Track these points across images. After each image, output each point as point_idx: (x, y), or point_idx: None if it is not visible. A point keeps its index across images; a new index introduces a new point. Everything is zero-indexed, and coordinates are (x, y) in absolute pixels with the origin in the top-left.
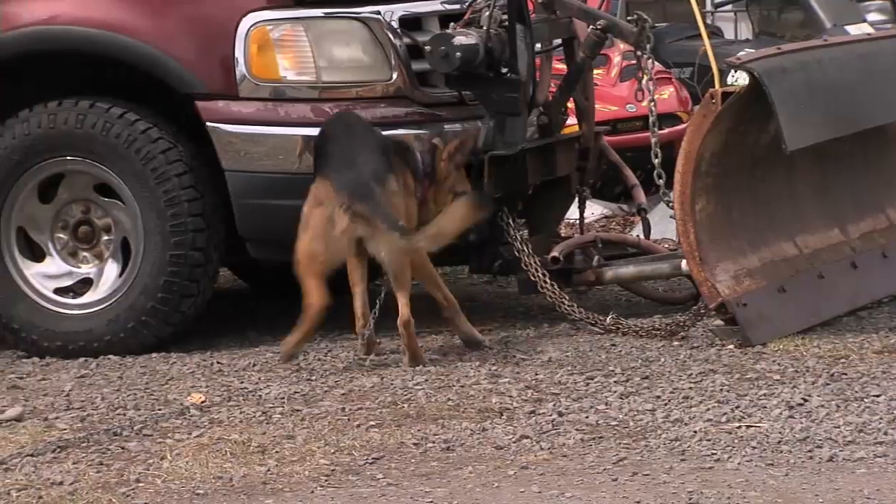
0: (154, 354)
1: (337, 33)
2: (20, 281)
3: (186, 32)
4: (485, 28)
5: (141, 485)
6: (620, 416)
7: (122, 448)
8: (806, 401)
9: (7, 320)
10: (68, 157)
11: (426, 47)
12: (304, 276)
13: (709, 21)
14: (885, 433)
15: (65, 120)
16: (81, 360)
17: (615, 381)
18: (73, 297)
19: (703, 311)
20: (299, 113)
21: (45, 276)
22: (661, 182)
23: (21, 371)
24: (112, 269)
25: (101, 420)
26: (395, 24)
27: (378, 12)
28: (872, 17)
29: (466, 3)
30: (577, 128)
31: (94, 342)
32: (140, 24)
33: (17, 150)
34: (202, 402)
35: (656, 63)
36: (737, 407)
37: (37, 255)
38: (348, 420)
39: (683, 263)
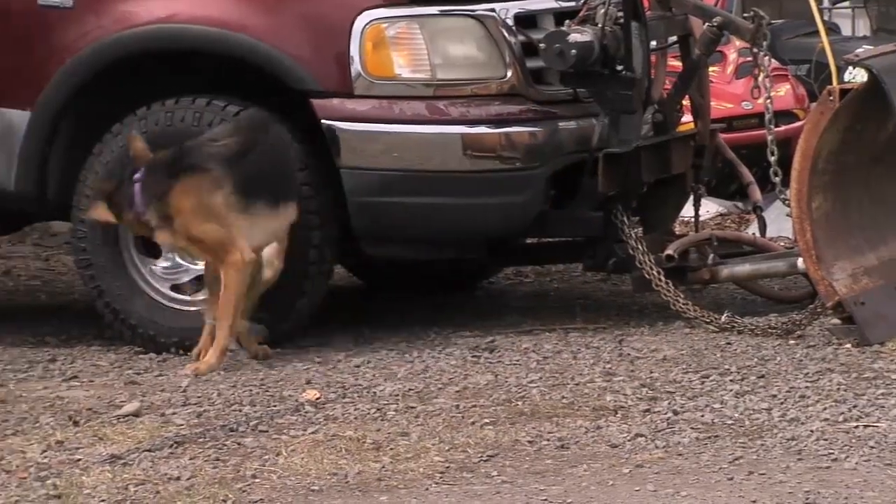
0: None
1: (452, 31)
2: (138, 277)
3: (302, 30)
4: (600, 25)
5: (257, 481)
6: (736, 415)
7: (238, 444)
8: None
9: (125, 316)
10: None
11: (541, 45)
12: None
13: (826, 17)
14: None
15: (182, 118)
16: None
17: (731, 380)
18: (190, 294)
19: (819, 310)
20: (414, 110)
21: (161, 272)
22: (778, 180)
23: (138, 367)
24: None
25: (217, 416)
26: (509, 22)
27: (493, 10)
28: None
29: (582, 1)
30: (692, 125)
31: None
32: (257, 22)
33: None
34: (317, 398)
35: (772, 60)
36: (854, 406)
37: (153, 252)
38: (462, 417)
39: (800, 262)
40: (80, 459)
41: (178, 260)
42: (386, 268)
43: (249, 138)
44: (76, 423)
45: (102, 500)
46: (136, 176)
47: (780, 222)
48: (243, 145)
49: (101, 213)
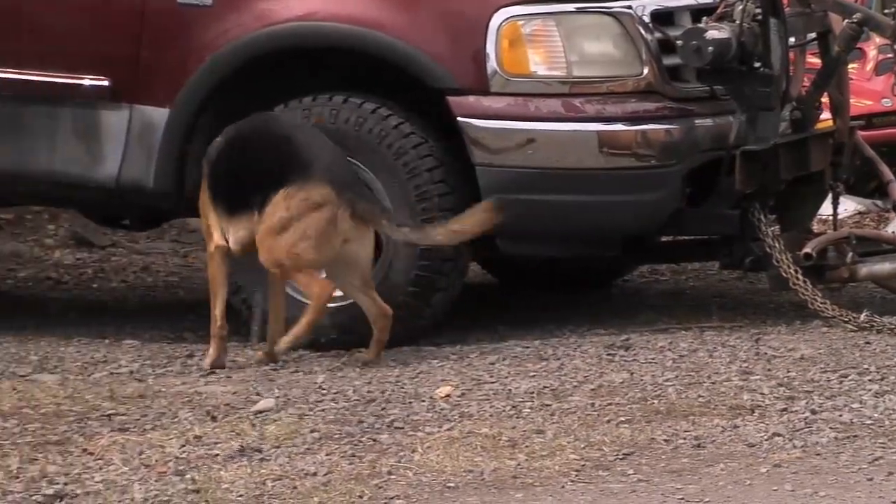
0: (405, 348)
1: (588, 28)
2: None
3: (438, 28)
4: (738, 22)
5: (392, 477)
6: (875, 415)
7: (374, 440)
8: None
9: (262, 313)
10: None
11: (678, 42)
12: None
13: None
14: None
15: (318, 115)
16: (333, 352)
17: (870, 380)
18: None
19: None
20: (550, 108)
21: None
22: None
23: (281, 362)
24: None
25: (352, 412)
26: (646, 19)
27: (630, 7)
28: None
29: None
30: (831, 123)
31: (345, 335)
32: (394, 20)
33: None
34: (452, 395)
35: None
36: None
37: None
38: (598, 415)
39: None
40: (217, 454)
41: None
42: (521, 265)
43: (232, 142)
44: (214, 419)
45: (240, 495)
46: None
47: None
48: (223, 146)
49: None
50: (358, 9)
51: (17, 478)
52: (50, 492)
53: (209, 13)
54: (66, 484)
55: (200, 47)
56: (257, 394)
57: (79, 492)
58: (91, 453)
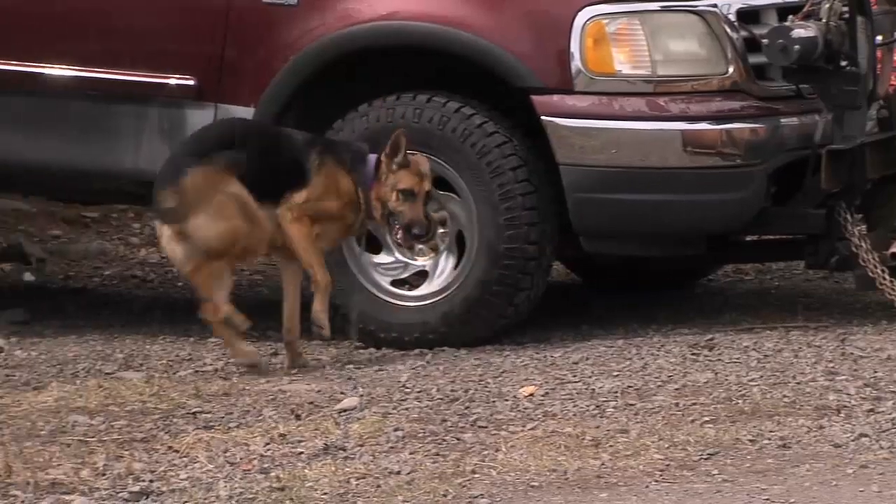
0: (488, 347)
1: (673, 27)
2: (358, 272)
3: (523, 27)
4: (824, 20)
5: (476, 476)
6: None
7: (458, 439)
8: None
9: (345, 311)
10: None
11: (764, 40)
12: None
13: None
14: None
15: (402, 114)
16: (417, 351)
17: None
18: (409, 289)
19: None
20: (634, 107)
21: (381, 267)
22: None
23: (358, 361)
24: (447, 261)
25: (436, 411)
26: (732, 17)
27: (715, 5)
28: None
29: None
30: None
31: (429, 334)
32: (477, 19)
33: None
34: (535, 394)
35: None
36: None
37: (374, 247)
38: (682, 415)
39: None
40: (302, 452)
41: (399, 255)
42: (605, 264)
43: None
44: (298, 417)
45: (324, 493)
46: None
47: None
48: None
49: None
50: (442, 8)
51: (104, 475)
52: (136, 489)
53: (294, 13)
54: (151, 481)
55: (284, 47)
56: (341, 392)
57: (164, 489)
58: (176, 451)
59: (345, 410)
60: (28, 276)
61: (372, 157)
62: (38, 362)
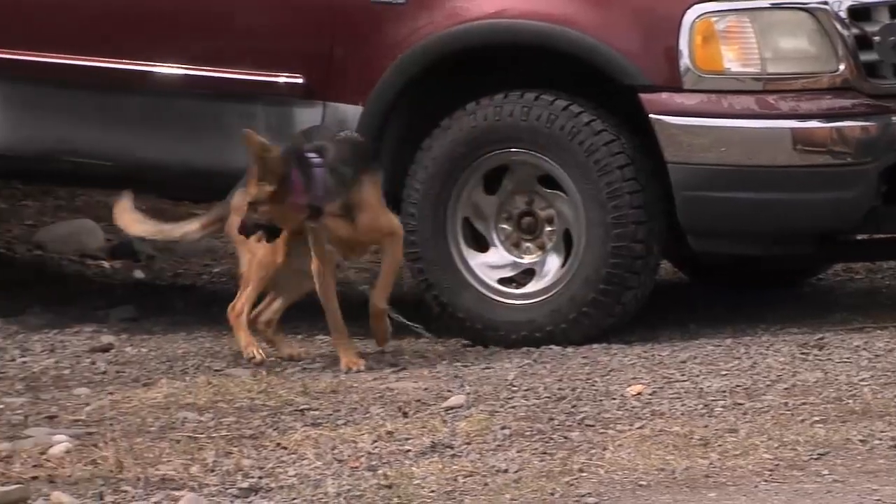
0: (595, 345)
1: (783, 24)
2: (465, 271)
3: (630, 24)
4: None
5: (584, 475)
6: None
7: (565, 438)
8: None
9: (453, 309)
10: (513, 149)
11: (875, 38)
12: None
13: None
14: None
15: (510, 112)
16: (524, 349)
17: None
18: (516, 288)
19: None
20: (743, 105)
21: (488, 265)
22: None
23: (465, 359)
24: (554, 260)
25: (543, 410)
26: (842, 15)
27: (825, 2)
28: None
29: None
30: None
31: (536, 332)
32: (585, 17)
33: (463, 143)
34: (643, 393)
35: None
36: None
37: (481, 245)
38: (792, 415)
39: None
40: (409, 450)
41: (506, 254)
42: (713, 263)
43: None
44: (405, 415)
45: (432, 491)
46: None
47: None
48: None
49: None
50: (550, 6)
51: (213, 471)
52: (245, 485)
53: (402, 11)
54: (260, 478)
55: (392, 45)
56: (448, 390)
57: (273, 486)
58: (285, 448)
59: (452, 408)
60: (138, 274)
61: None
62: (148, 359)
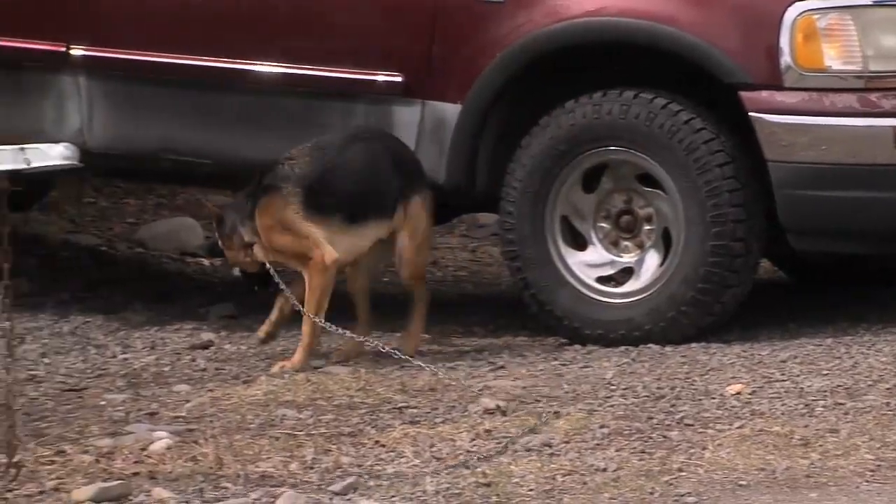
0: (694, 344)
1: (885, 22)
2: (563, 269)
3: (731, 22)
4: None
5: (683, 474)
6: None
7: (664, 437)
8: None
9: (551, 307)
10: (611, 147)
11: None
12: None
13: None
14: None
15: (609, 111)
16: (622, 348)
17: None
18: (615, 286)
19: None
20: (844, 103)
21: (587, 264)
22: None
23: (564, 358)
24: (653, 258)
25: (642, 409)
26: None
27: None
28: None
29: None
30: None
31: (634, 331)
32: (685, 15)
33: (562, 141)
34: (742, 393)
35: None
36: None
37: (579, 243)
38: (894, 415)
39: None
40: (507, 448)
41: (605, 252)
42: (813, 262)
43: (321, 159)
44: (504, 413)
45: (531, 489)
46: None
47: None
48: (314, 165)
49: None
50: (650, 4)
51: (312, 468)
52: (344, 483)
53: (501, 9)
54: (359, 475)
55: (492, 43)
56: (546, 388)
57: (371, 483)
58: (383, 445)
59: (551, 407)
60: (237, 271)
61: None
62: (247, 356)
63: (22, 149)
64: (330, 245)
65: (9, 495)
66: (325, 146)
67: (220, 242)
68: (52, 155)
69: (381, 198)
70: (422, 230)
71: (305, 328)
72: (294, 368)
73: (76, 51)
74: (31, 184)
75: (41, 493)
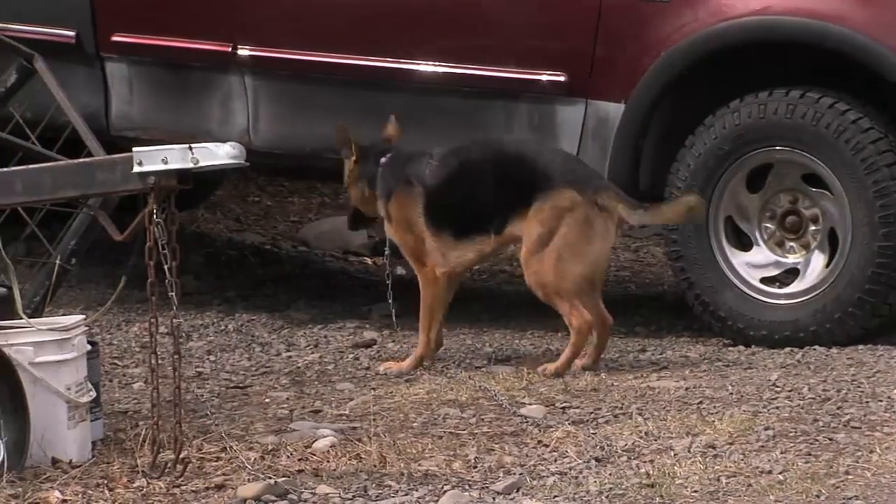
0: (860, 346)
1: None
2: (727, 270)
3: None
4: None
5: (850, 477)
6: None
7: (830, 440)
8: None
9: (714, 308)
10: (777, 147)
11: None
12: (558, 298)
13: None
14: None
15: (774, 110)
16: (787, 349)
17: None
18: (779, 287)
19: None
20: None
21: (751, 265)
22: None
23: (727, 359)
24: (818, 259)
25: (807, 411)
26: None
27: None
28: None
29: None
30: None
31: (799, 332)
32: (852, 13)
33: (727, 140)
34: None
35: None
36: None
37: (743, 244)
38: None
39: None
40: (671, 449)
41: (770, 253)
42: None
43: (452, 165)
44: (667, 413)
45: (695, 491)
46: (383, 160)
47: None
48: (444, 171)
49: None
50: (816, 3)
51: (475, 467)
52: (507, 482)
53: (666, 9)
54: (521, 475)
55: (656, 43)
56: (710, 389)
57: (535, 483)
58: (546, 445)
59: (715, 408)
60: (399, 270)
61: None
62: (410, 355)
63: (190, 148)
64: (441, 256)
65: (176, 491)
66: (453, 153)
67: (348, 172)
68: (220, 154)
69: (486, 210)
70: (533, 239)
71: (421, 337)
72: (398, 371)
73: (243, 51)
74: (198, 183)
75: (207, 489)
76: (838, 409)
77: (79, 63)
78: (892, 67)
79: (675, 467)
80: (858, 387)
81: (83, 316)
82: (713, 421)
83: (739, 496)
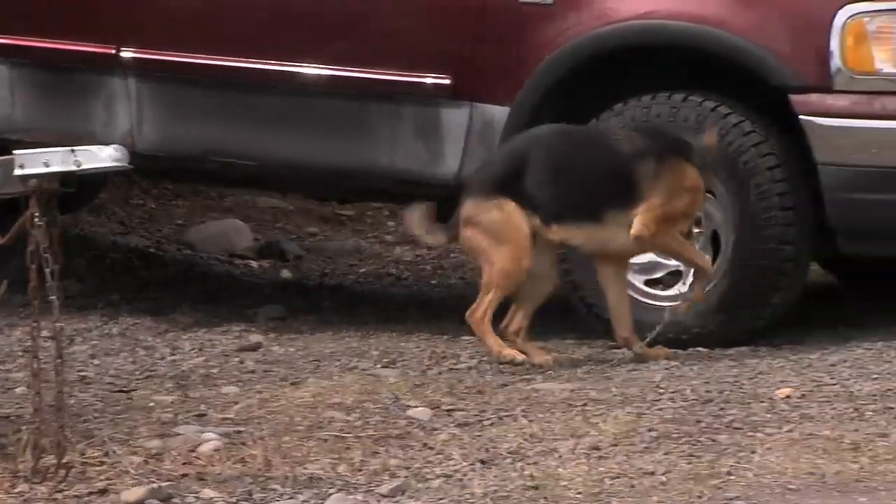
0: (743, 348)
1: None
2: None
3: (781, 25)
4: None
5: (732, 478)
6: None
7: (713, 441)
8: None
9: (598, 311)
10: None
11: None
12: None
13: None
14: None
15: (658, 113)
16: (671, 351)
17: None
18: (663, 289)
19: None
20: (895, 106)
21: (636, 267)
22: None
23: (612, 360)
24: None
25: (690, 412)
26: None
27: None
28: None
29: None
30: None
31: (682, 334)
32: (735, 18)
33: None
34: (792, 396)
35: None
36: None
37: None
38: None
39: None
40: (555, 451)
41: (652, 255)
42: (863, 265)
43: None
44: (551, 415)
45: (579, 493)
46: None
47: None
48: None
49: None
50: (699, 7)
51: (360, 471)
52: (392, 485)
53: (550, 12)
54: (407, 478)
55: (541, 46)
56: (594, 391)
57: (420, 486)
58: (431, 448)
59: (597, 410)
60: (285, 273)
61: None
62: (296, 358)
63: (72, 150)
64: None
65: (58, 496)
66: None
67: None
68: (103, 157)
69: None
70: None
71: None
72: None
73: (126, 53)
74: (81, 185)
75: (90, 493)
76: (721, 410)
77: None
78: (773, 71)
79: (560, 469)
80: (741, 388)
81: None
82: (597, 423)
83: (623, 497)
